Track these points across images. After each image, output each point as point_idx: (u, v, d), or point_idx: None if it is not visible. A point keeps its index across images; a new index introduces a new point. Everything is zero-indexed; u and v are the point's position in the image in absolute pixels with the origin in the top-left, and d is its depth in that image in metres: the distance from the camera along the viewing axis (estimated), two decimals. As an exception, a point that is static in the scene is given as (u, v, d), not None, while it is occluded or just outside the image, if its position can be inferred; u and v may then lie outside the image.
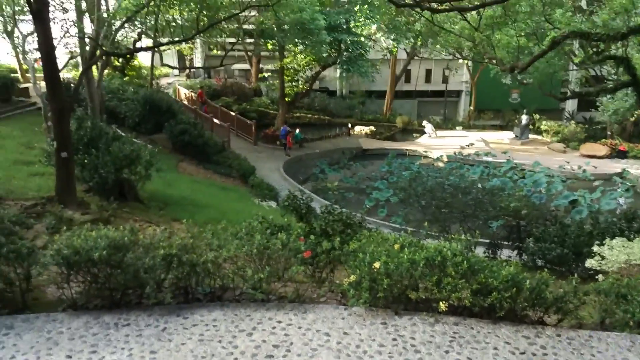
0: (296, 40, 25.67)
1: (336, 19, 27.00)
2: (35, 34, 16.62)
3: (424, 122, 38.29)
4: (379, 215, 21.02)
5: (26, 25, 19.12)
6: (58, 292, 5.77)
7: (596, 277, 7.84)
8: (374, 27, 31.76)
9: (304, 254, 6.21)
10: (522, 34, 16.97)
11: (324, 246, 6.49)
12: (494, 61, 19.71)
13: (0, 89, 21.60)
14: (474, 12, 16.68)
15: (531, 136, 36.04)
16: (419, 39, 33.14)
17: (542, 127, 37.86)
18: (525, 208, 13.66)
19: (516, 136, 35.81)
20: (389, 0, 12.11)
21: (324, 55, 28.04)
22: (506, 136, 36.77)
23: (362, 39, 29.56)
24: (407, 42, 33.51)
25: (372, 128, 37.18)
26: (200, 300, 5.96)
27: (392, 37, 32.60)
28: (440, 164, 30.07)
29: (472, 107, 43.34)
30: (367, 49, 30.32)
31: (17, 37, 19.24)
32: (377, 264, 5.79)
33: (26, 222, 5.96)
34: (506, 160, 29.12)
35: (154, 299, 5.54)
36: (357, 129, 37.10)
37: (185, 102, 32.70)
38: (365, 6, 27.79)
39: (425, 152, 32.68)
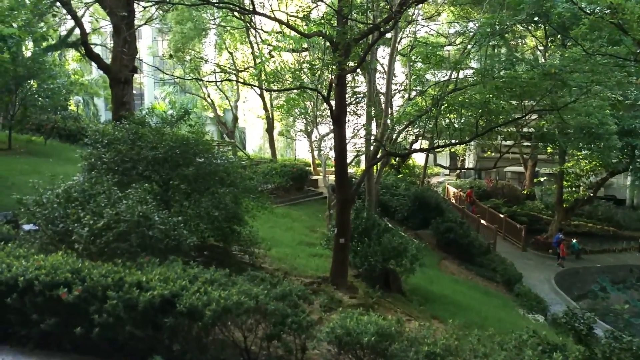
0: (580, 144, 23.90)
1: (630, 122, 24.40)
2: (330, 135, 19.29)
3: None
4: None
5: (322, 127, 22.38)
6: (327, 368, 6.14)
7: None
8: (677, 130, 27.55)
9: (583, 383, 5.36)
10: None
11: (609, 378, 5.51)
12: None
13: (297, 179, 25.32)
14: None
15: None
16: None
17: None
18: None
19: None
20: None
21: (614, 161, 25.32)
22: None
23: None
24: None
25: (672, 246, 31.26)
26: (460, 409, 5.60)
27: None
28: None
29: None
30: (669, 155, 26.32)
31: (315, 137, 22.61)
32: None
33: (309, 297, 6.60)
34: None
35: (414, 396, 5.43)
36: (651, 245, 31.67)
37: (453, 201, 33.05)
38: (666, 108, 24.53)
39: None
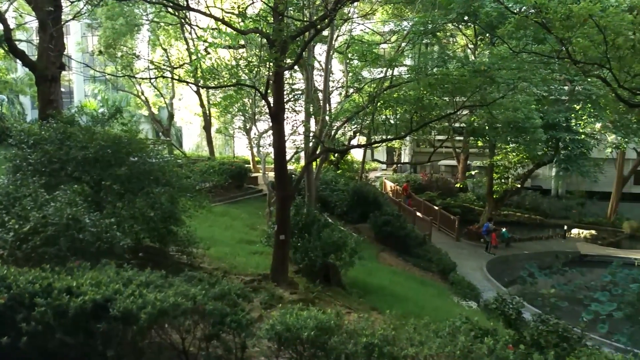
0: (509, 138, 25.06)
1: (555, 117, 25.76)
2: (269, 132, 19.23)
3: (659, 230, 33.13)
4: (599, 331, 18.35)
5: (261, 124, 22.25)
6: (267, 365, 6.16)
7: None
8: (598, 125, 29.45)
9: (512, 364, 5.65)
10: None
11: (536, 359, 5.85)
12: None
13: (236, 177, 25.08)
14: None
15: None
16: (653, 138, 29.53)
17: None
18: None
19: None
20: (620, 100, 11.19)
21: (539, 153, 26.70)
22: None
23: (584, 137, 27.57)
24: (637, 140, 30.12)
25: (593, 232, 33.39)
26: (396, 397, 5.76)
27: (620, 136, 29.68)
28: (679, 279, 25.30)
29: None
30: (590, 147, 28.07)
31: (254, 134, 22.46)
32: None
33: (248, 295, 6.59)
34: None
35: (353, 386, 5.54)
36: (574, 231, 33.70)
37: (390, 195, 33.77)
38: (589, 104, 26.08)
39: (660, 264, 27.92)
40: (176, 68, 23.86)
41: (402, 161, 43.79)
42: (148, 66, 26.84)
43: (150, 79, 27.32)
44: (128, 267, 6.25)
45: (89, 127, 11.03)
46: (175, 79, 23.29)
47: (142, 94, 33.76)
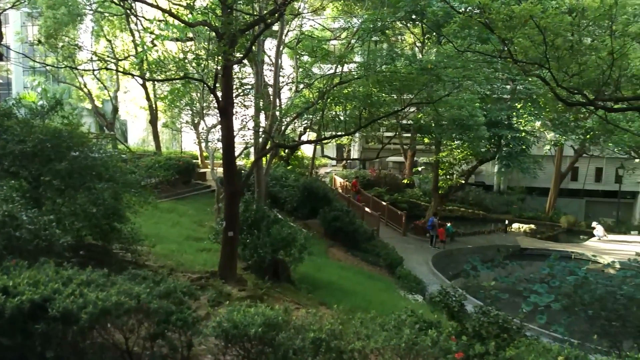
0: (454, 135, 25.72)
1: (497, 115, 26.64)
2: (218, 127, 18.96)
3: (594, 224, 34.93)
4: (538, 322, 19.15)
5: (210, 118, 21.91)
6: (214, 363, 6.10)
7: None
8: (537, 123, 30.71)
9: (455, 355, 5.85)
10: None
11: (477, 349, 6.06)
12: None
13: (184, 173, 24.58)
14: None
15: None
16: (589, 136, 31.08)
17: None
18: None
19: None
20: (559, 99, 11.67)
21: (482, 150, 27.57)
22: (697, 245, 31.75)
23: (524, 134, 28.69)
24: (574, 138, 31.63)
25: (532, 226, 34.89)
26: (344, 390, 5.83)
27: (558, 134, 31.08)
28: (612, 271, 26.74)
29: (651, 211, 38.68)
30: (530, 144, 29.24)
31: (202, 129, 22.09)
32: (537, 377, 5.22)
33: (195, 293, 6.50)
34: (697, 272, 24.95)
35: (300, 382, 5.57)
36: (515, 226, 35.09)
37: (340, 191, 34.06)
38: (530, 103, 27.13)
39: (594, 256, 29.45)
40: (121, 60, 23.16)
41: (351, 157, 44.21)
42: (91, 57, 25.90)
43: (94, 70, 26.36)
44: (68, 265, 6.05)
45: (28, 120, 10.54)
46: (120, 71, 22.58)
47: (85, 86, 32.51)
